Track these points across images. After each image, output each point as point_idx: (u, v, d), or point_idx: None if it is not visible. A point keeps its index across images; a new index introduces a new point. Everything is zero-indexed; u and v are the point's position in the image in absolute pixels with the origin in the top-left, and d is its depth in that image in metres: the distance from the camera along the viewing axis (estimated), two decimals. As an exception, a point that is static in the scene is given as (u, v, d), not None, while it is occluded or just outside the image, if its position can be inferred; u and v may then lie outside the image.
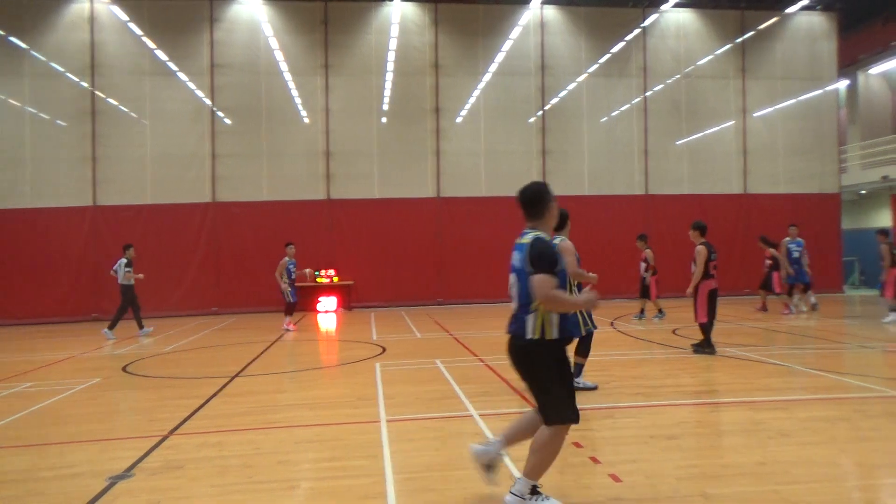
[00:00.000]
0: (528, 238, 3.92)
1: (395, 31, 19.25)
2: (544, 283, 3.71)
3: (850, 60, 24.17)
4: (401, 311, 17.77)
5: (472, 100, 19.73)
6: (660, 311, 14.18)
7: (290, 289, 13.65)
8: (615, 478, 4.32)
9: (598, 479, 4.32)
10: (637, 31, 20.30)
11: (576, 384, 6.65)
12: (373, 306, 18.70)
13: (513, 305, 3.99)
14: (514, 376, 7.79)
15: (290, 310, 13.94)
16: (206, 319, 16.79)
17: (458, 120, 19.70)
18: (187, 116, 18.45)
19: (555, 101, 20.00)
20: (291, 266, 13.71)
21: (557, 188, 17.53)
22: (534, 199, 4.04)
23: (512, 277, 4.00)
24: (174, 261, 18.04)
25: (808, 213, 20.32)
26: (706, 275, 9.13)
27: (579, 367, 7.18)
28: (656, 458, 4.71)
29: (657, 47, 20.47)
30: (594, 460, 4.67)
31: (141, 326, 13.78)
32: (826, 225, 20.23)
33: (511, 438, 4.15)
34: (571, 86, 20.11)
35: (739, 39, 20.79)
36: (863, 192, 23.98)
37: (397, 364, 9.12)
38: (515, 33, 19.73)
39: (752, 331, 12.17)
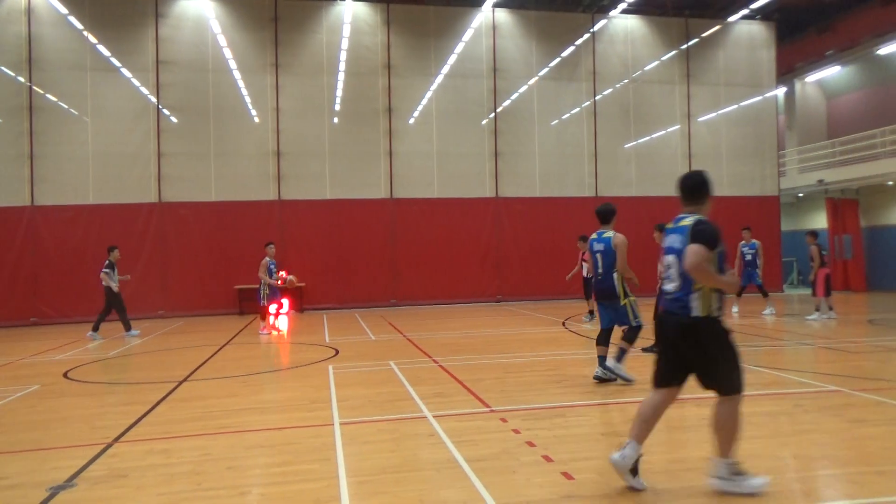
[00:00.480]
0: (689, 220, 4.14)
1: (346, 31, 19.11)
2: (699, 252, 3.91)
3: (788, 69, 25.18)
4: (354, 313, 17.64)
5: (424, 101, 19.75)
6: (590, 312, 13.95)
7: (268, 291, 13.13)
8: (568, 476, 4.37)
9: (552, 477, 4.37)
10: (586, 36, 20.68)
11: (617, 371, 7.31)
12: (325, 308, 18.50)
13: (670, 286, 4.20)
14: (468, 377, 7.87)
15: (264, 313, 13.40)
16: (152, 323, 16.31)
17: (411, 121, 19.69)
18: (131, 114, 17.91)
19: (507, 103, 20.20)
20: (273, 266, 13.20)
21: (509, 190, 17.82)
22: (697, 186, 4.38)
23: (670, 258, 4.20)
24: (118, 263, 17.44)
25: (749, 215, 21.04)
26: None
27: (602, 359, 7.43)
28: (608, 455, 4.79)
29: (606, 52, 20.90)
30: (547, 459, 4.73)
31: (128, 328, 13.47)
32: (766, 226, 20.98)
33: (641, 435, 4.24)
34: (523, 89, 20.35)
35: (684, 46, 21.41)
36: (800, 195, 24.99)
37: (350, 366, 9.05)
38: (467, 35, 19.85)
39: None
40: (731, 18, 21.76)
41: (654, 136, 21.37)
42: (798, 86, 26.47)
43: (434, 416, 6.00)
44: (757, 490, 3.98)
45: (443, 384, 7.58)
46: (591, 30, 20.71)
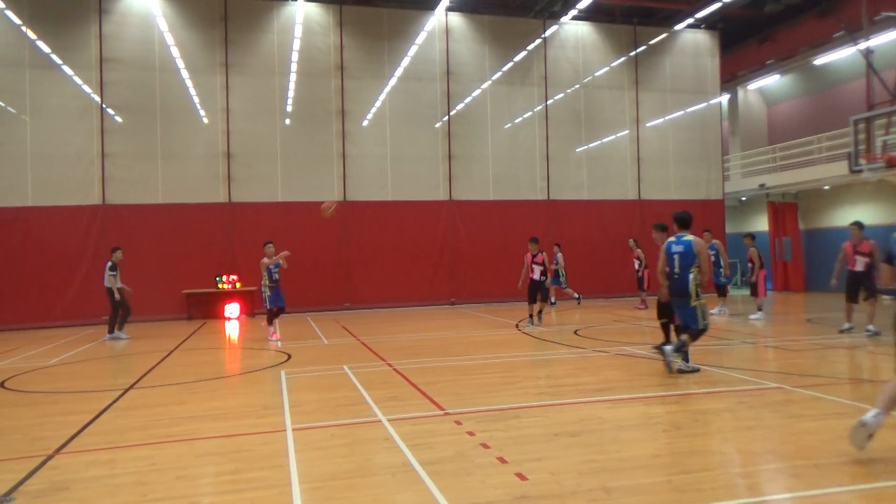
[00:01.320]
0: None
1: (298, 32, 18.91)
2: None
3: (731, 76, 26.04)
4: (307, 317, 17.43)
5: (377, 103, 19.70)
6: (530, 316, 13.90)
7: (269, 293, 12.36)
8: (521, 476, 4.42)
9: (506, 478, 4.40)
10: (538, 41, 20.97)
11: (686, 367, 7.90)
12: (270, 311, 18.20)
13: None
14: (422, 380, 7.87)
15: (271, 317, 12.64)
16: (96, 329, 15.75)
17: (364, 123, 19.60)
18: (73, 113, 17.30)
19: (460, 106, 20.31)
20: (274, 267, 12.35)
21: (463, 193, 17.87)
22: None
23: None
24: (59, 267, 16.86)
25: (695, 218, 21.62)
26: None
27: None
28: (560, 455, 4.87)
29: (557, 58, 21.23)
30: (501, 460, 4.76)
31: (111, 331, 13.34)
32: (712, 229, 21.54)
33: (889, 405, 4.61)
34: (476, 92, 20.49)
35: (632, 53, 21.92)
36: (743, 198, 25.84)
37: (303, 371, 8.94)
38: (421, 38, 19.89)
39: (647, 330, 12.81)
40: (677, 27, 22.40)
41: (604, 140, 21.80)
42: (741, 93, 27.41)
43: (388, 420, 5.98)
44: None
45: (397, 388, 7.57)
46: (543, 35, 21.01)
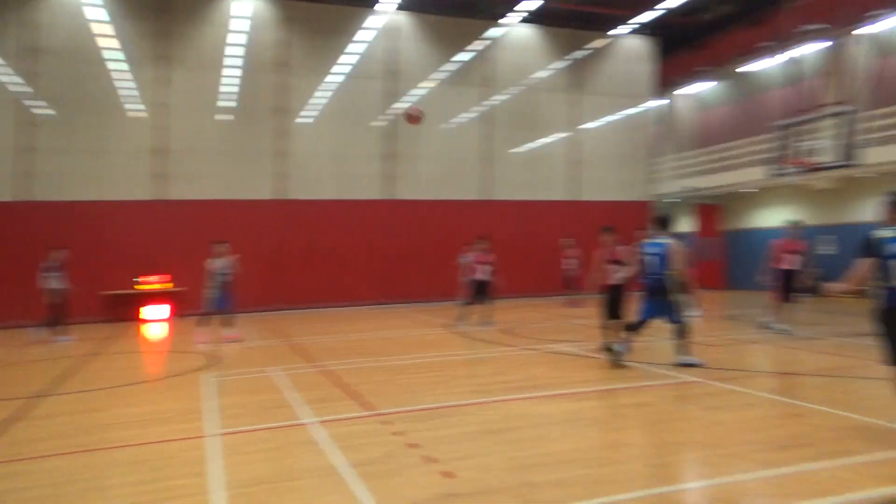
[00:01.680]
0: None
1: (240, 26, 18.45)
2: None
3: (666, 82, 26.91)
4: (238, 318, 16.98)
5: (320, 101, 19.45)
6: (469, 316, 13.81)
7: (215, 295, 11.68)
8: (449, 475, 4.45)
9: (433, 477, 4.43)
10: (482, 43, 21.16)
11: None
12: (209, 313, 17.71)
13: None
14: (352, 380, 7.82)
15: (205, 320, 11.93)
16: (11, 333, 14.91)
17: (306, 121, 19.32)
18: (-7, 105, 16.40)
19: (403, 105, 20.26)
20: (223, 268, 11.77)
21: (404, 192, 17.78)
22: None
23: None
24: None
25: (629, 218, 22.27)
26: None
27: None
28: (487, 453, 4.93)
29: (499, 59, 21.46)
30: (430, 459, 4.79)
31: (53, 332, 12.78)
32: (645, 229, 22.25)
33: None
34: (419, 92, 20.49)
35: (572, 57, 22.38)
36: (674, 200, 26.71)
37: (230, 374, 8.74)
38: (365, 36, 19.74)
39: (576, 327, 13.09)
40: (616, 33, 22.98)
41: (543, 142, 22.17)
42: (674, 98, 28.35)
43: (316, 423, 5.92)
44: None
45: (325, 389, 7.49)
46: (487, 37, 21.20)
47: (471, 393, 7.09)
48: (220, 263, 11.87)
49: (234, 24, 18.42)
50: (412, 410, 6.30)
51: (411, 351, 10.42)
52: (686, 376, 7.71)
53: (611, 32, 22.89)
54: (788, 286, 11.55)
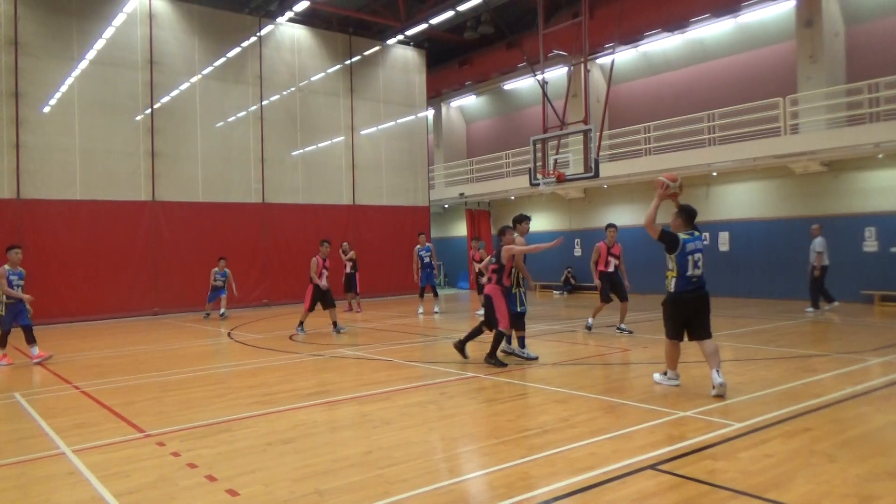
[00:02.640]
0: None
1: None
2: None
3: (436, 93, 28.37)
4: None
5: (64, 88, 17.16)
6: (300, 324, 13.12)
7: (4, 311, 9.91)
8: (232, 492, 4.22)
9: (215, 497, 4.17)
10: (253, 39, 20.34)
11: (522, 353, 9.07)
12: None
13: (701, 272, 6.77)
14: (117, 401, 7.08)
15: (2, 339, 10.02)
16: None
17: (46, 110, 16.93)
18: None
19: (165, 99, 18.71)
20: (16, 277, 9.95)
21: (168, 193, 16.56)
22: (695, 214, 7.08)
23: (700, 257, 6.75)
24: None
25: (405, 223, 23.17)
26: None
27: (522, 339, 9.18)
28: (273, 465, 4.77)
29: (273, 58, 20.83)
30: (210, 478, 4.50)
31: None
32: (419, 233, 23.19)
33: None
34: (184, 86, 19.08)
35: (348, 62, 22.52)
36: (446, 206, 28.31)
37: (-42, 404, 7.36)
38: (119, 21, 17.84)
39: (361, 331, 13.24)
40: (389, 42, 23.63)
41: (320, 145, 22.00)
42: (444, 109, 30.02)
43: (74, 451, 5.23)
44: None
45: (86, 413, 6.67)
46: (258, 34, 20.43)
47: (255, 404, 6.80)
48: (9, 271, 10.02)
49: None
50: (189, 428, 5.86)
51: (184, 364, 9.68)
52: (466, 372, 8.21)
53: (384, 41, 23.53)
54: (610, 288, 11.73)
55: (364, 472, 4.56)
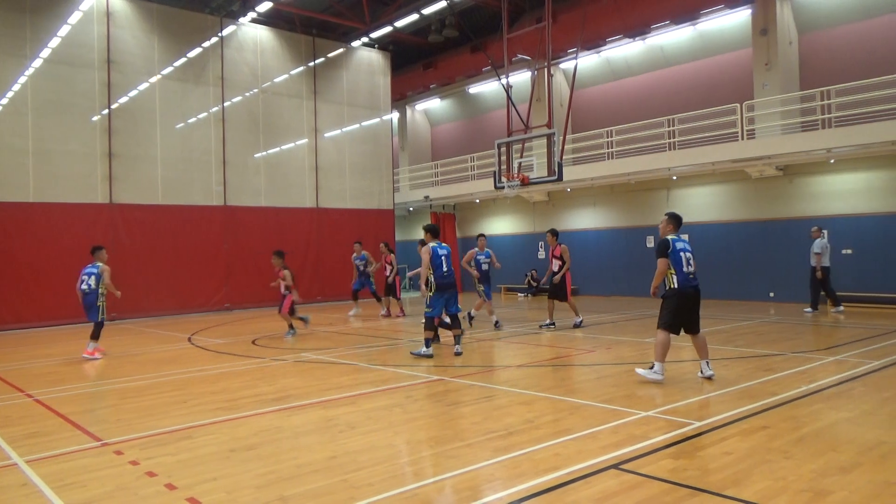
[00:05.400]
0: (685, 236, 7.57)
1: None
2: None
3: (401, 96, 28.33)
4: None
5: (16, 87, 16.63)
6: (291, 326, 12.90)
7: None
8: (193, 501, 4.15)
9: (175, 506, 4.09)
10: (214, 39, 20.02)
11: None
12: None
13: (695, 270, 7.49)
14: (73, 409, 6.90)
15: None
16: None
17: (-3, 109, 16.40)
18: None
19: (124, 100, 18.28)
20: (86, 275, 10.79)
21: (126, 196, 16.24)
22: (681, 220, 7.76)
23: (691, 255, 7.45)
24: None
25: (369, 227, 23.07)
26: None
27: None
28: (236, 472, 4.70)
29: (235, 59, 20.52)
30: (170, 487, 4.41)
31: None
32: (384, 237, 23.09)
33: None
34: (143, 86, 18.67)
35: (311, 63, 22.33)
36: (411, 208, 28.26)
37: None
38: (74, 18, 17.37)
39: (325, 335, 13.13)
40: (353, 44, 23.52)
41: (283, 147, 21.76)
42: (409, 112, 29.99)
43: (27, 462, 5.07)
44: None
45: (40, 422, 6.46)
46: (220, 34, 20.12)
47: (217, 410, 6.68)
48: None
49: None
50: (148, 436, 5.73)
51: (144, 370, 9.46)
52: (430, 375, 8.21)
53: (349, 44, 23.42)
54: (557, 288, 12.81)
55: (329, 477, 4.52)
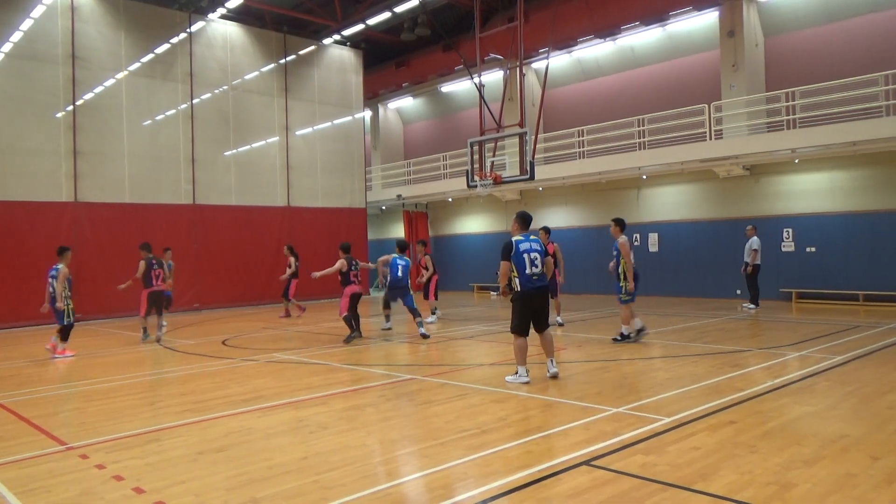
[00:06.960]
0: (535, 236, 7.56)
1: None
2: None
3: (373, 94, 28.20)
4: None
5: (-25, 82, 16.19)
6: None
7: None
8: (161, 504, 4.08)
9: (142, 510, 4.02)
10: (183, 35, 19.70)
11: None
12: None
13: (540, 270, 7.40)
14: (36, 412, 6.74)
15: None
16: None
17: (-45, 104, 15.93)
18: None
19: (89, 96, 17.90)
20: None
21: (93, 194, 15.94)
22: (530, 219, 7.74)
23: (537, 256, 7.40)
24: None
25: (341, 225, 22.94)
26: (349, 281, 11.58)
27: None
28: (206, 474, 4.63)
29: (204, 55, 20.23)
30: (138, 491, 4.33)
31: None
32: (356, 236, 23.01)
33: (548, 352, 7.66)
34: (109, 82, 18.31)
35: (282, 61, 22.11)
36: (383, 207, 28.14)
37: None
38: (38, 12, 16.95)
39: (295, 335, 13.02)
40: (325, 41, 23.35)
41: (253, 145, 21.51)
42: (381, 110, 29.88)
43: (-12, 467, 4.94)
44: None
45: (2, 426, 6.29)
46: (188, 30, 19.80)
47: (186, 412, 6.58)
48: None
49: None
50: (115, 439, 5.62)
51: (110, 372, 9.27)
52: (403, 374, 8.19)
53: (320, 41, 23.25)
54: None
55: (300, 478, 4.48)
